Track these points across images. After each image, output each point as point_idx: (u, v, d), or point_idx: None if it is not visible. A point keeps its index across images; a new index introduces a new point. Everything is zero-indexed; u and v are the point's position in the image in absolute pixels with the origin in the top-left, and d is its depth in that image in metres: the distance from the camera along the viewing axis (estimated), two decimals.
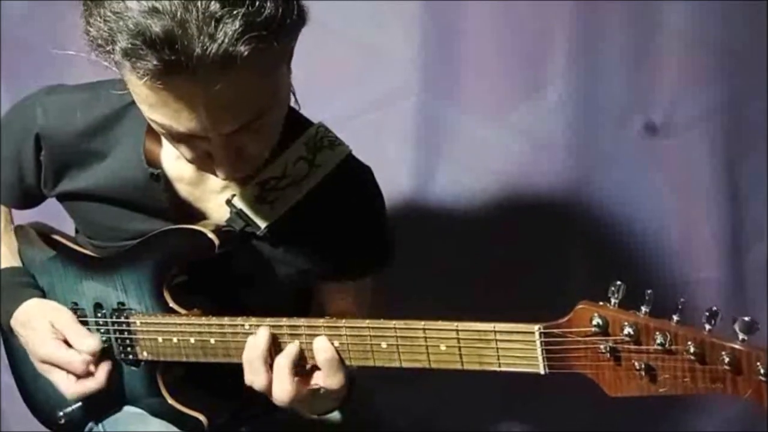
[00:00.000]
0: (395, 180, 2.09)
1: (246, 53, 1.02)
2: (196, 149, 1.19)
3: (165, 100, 1.08)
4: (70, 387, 1.43)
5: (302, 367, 1.27)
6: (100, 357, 1.43)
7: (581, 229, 2.11)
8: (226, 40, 1.01)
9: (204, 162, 1.22)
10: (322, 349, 1.24)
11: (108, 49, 1.06)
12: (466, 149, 2.11)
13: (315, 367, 1.26)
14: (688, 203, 2.10)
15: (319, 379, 1.26)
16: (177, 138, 1.17)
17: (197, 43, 1.00)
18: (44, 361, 1.44)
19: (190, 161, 1.23)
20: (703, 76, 2.04)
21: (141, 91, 1.09)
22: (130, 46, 1.02)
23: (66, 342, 1.43)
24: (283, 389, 1.25)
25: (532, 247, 2.12)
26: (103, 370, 1.43)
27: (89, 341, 1.42)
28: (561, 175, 2.10)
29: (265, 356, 1.26)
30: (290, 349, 1.26)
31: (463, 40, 2.06)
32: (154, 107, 1.11)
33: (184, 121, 1.10)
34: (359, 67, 2.08)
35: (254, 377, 1.28)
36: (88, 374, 1.43)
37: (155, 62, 1.01)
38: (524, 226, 2.12)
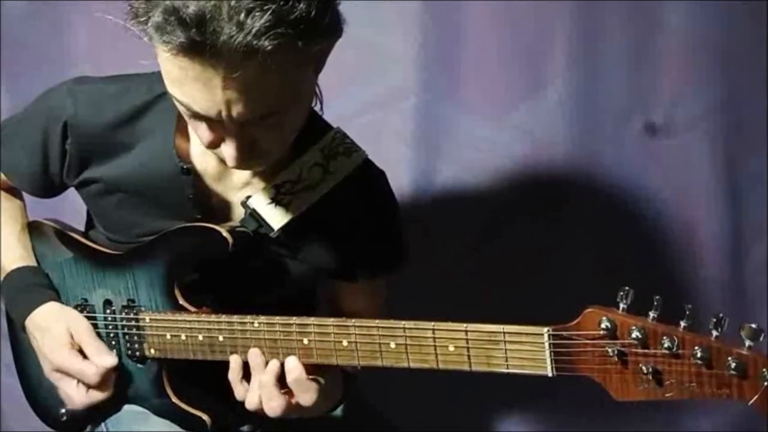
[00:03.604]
0: (395, 180, 2.06)
1: (269, 48, 1.05)
2: (213, 133, 1.21)
3: (186, 78, 1.11)
4: (80, 397, 1.45)
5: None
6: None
7: (581, 229, 2.11)
8: (253, 32, 1.04)
9: (218, 147, 1.24)
10: (290, 370, 1.30)
11: (143, 20, 1.09)
12: (466, 149, 2.11)
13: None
14: (688, 203, 2.10)
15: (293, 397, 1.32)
16: (195, 118, 1.19)
17: (225, 29, 1.04)
18: (57, 369, 1.45)
19: (207, 145, 1.24)
20: (703, 76, 2.04)
21: (167, 65, 1.13)
22: (162, 20, 1.06)
23: (81, 352, 1.44)
24: (272, 406, 1.31)
25: (532, 247, 2.12)
26: (111, 380, 1.45)
27: (107, 359, 1.44)
28: (561, 175, 2.10)
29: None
30: (272, 366, 1.31)
31: (463, 39, 2.06)
32: (176, 84, 1.14)
33: (201, 102, 1.13)
34: (359, 67, 2.08)
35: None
36: (99, 385, 1.44)
37: (182, 39, 1.05)
38: (524, 226, 2.12)
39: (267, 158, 1.28)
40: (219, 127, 1.19)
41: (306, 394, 1.30)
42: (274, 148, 1.27)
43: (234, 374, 1.35)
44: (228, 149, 1.20)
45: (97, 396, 1.45)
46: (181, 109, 1.19)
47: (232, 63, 1.07)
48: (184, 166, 1.39)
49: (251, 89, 1.11)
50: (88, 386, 1.44)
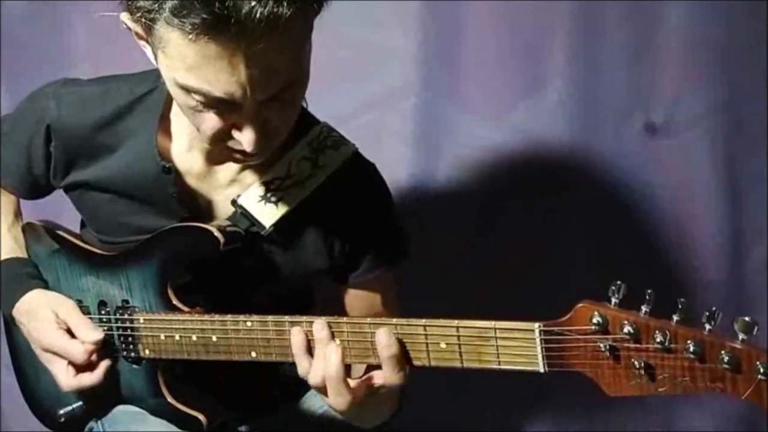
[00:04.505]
0: (394, 179, 2.08)
1: (289, 14, 1.06)
2: (222, 121, 1.19)
3: (206, 59, 1.10)
4: (68, 379, 1.43)
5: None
6: (100, 353, 1.44)
7: (581, 229, 2.11)
8: (272, 0, 1.04)
9: (224, 138, 1.23)
10: (386, 345, 1.18)
11: (155, 8, 1.08)
12: (466, 149, 2.11)
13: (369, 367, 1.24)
14: (688, 202, 2.10)
15: (380, 379, 1.22)
16: (208, 105, 1.17)
17: (246, 1, 1.03)
18: (46, 350, 1.45)
19: (211, 138, 1.23)
20: (704, 75, 2.04)
21: (182, 52, 1.11)
22: (180, 1, 1.05)
23: (69, 332, 1.44)
24: (339, 401, 1.21)
25: (532, 247, 2.12)
26: (102, 366, 1.44)
27: (93, 333, 1.42)
28: (561, 175, 2.10)
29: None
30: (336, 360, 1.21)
31: (463, 39, 2.07)
32: (193, 69, 1.12)
33: (222, 84, 1.12)
34: (359, 66, 2.09)
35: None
36: (88, 367, 1.43)
37: (204, 15, 1.04)
38: (522, 224, 2.12)
39: (275, 140, 1.26)
40: (233, 113, 1.18)
41: (399, 374, 1.19)
42: (283, 128, 1.26)
43: (298, 348, 1.24)
44: (246, 134, 1.19)
45: (86, 380, 1.43)
46: (191, 100, 1.17)
47: (255, 35, 1.06)
48: (166, 165, 1.39)
49: (272, 62, 1.11)
50: (77, 369, 1.43)
